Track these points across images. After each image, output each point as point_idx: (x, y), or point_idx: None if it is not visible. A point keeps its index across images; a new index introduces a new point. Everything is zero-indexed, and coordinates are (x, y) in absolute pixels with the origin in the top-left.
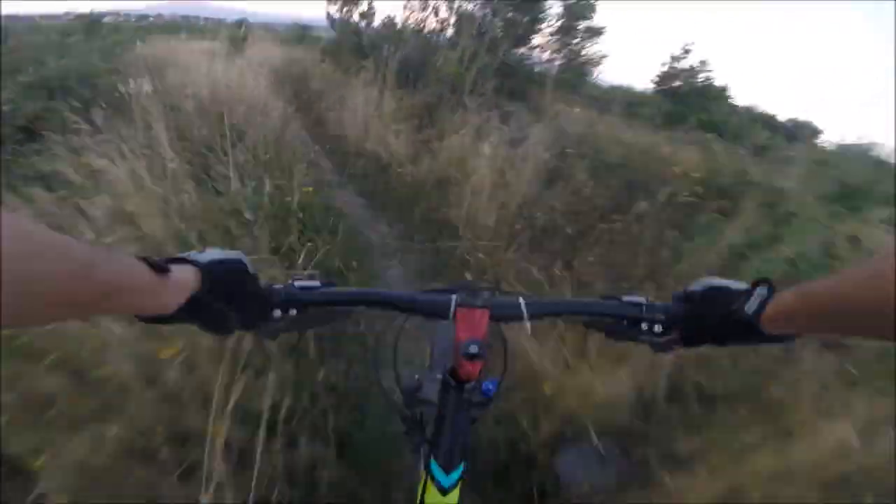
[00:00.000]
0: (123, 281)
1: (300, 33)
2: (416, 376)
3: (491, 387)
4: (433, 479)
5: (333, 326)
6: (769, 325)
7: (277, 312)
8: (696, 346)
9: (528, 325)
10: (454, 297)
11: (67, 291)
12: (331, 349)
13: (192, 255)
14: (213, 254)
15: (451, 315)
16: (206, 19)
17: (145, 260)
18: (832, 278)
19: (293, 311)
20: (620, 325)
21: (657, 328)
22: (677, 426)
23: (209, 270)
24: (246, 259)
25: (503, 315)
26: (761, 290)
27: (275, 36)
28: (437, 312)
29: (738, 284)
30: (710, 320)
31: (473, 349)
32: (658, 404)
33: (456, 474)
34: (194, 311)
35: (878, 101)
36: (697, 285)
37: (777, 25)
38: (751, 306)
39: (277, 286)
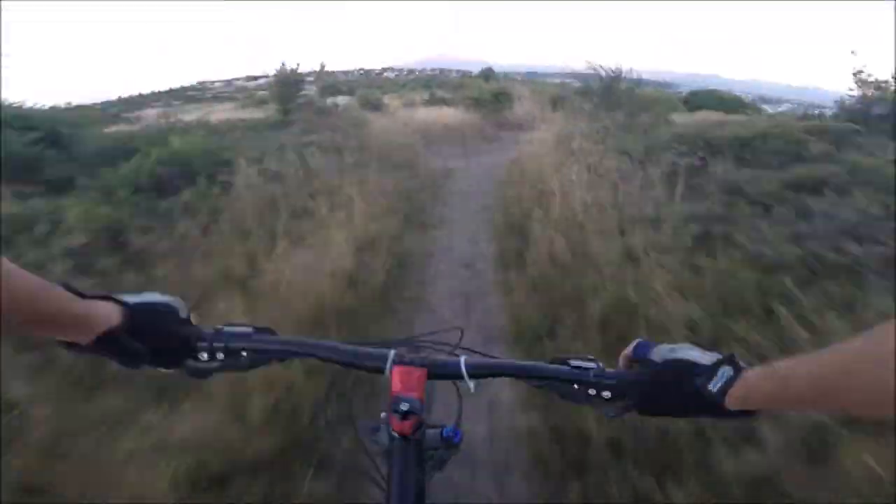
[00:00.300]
0: (59, 311)
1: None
2: (383, 414)
3: (454, 434)
4: None
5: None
6: (733, 402)
7: (204, 355)
8: (653, 416)
9: (471, 384)
10: (392, 352)
11: (20, 314)
12: None
13: (125, 295)
14: (146, 296)
15: (386, 371)
16: (457, 71)
17: (67, 286)
18: (807, 359)
19: (220, 356)
20: (569, 387)
21: (605, 395)
22: None
23: (133, 310)
24: (180, 304)
25: (442, 374)
26: (726, 370)
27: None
28: (372, 367)
29: (701, 356)
30: (671, 394)
31: (405, 406)
32: None
33: None
34: (108, 344)
35: None
36: (657, 354)
37: None
38: (715, 384)
39: (207, 330)
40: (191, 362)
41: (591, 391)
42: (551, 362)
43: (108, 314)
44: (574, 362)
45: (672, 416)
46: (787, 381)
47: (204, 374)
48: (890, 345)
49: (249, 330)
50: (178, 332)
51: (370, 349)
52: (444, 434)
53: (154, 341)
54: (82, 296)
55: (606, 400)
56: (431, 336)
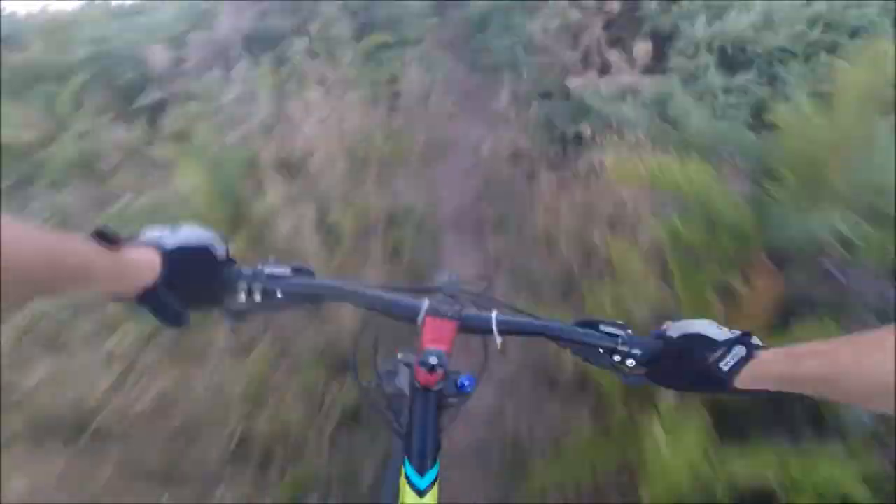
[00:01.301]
0: (85, 267)
1: None
2: (400, 355)
3: (467, 382)
4: (408, 479)
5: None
6: (743, 382)
7: (242, 297)
8: (664, 386)
9: (498, 339)
10: (425, 303)
11: (31, 275)
12: None
13: (164, 233)
14: (183, 234)
15: (419, 321)
16: None
17: (103, 234)
18: (822, 344)
19: (257, 297)
20: (595, 351)
21: (629, 363)
22: None
23: (171, 259)
24: (216, 241)
25: (472, 328)
26: (739, 349)
27: None
28: (405, 316)
29: (718, 332)
30: (684, 367)
31: (433, 360)
32: None
33: (431, 475)
34: (149, 300)
35: None
36: (675, 329)
37: None
38: (727, 363)
39: (246, 271)
40: (228, 304)
41: (616, 358)
42: (580, 323)
43: (146, 266)
44: (604, 327)
45: (686, 390)
46: (797, 365)
47: (241, 316)
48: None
49: (288, 271)
50: (217, 275)
51: (404, 298)
52: (459, 383)
53: (193, 290)
54: (117, 242)
55: (629, 367)
56: (463, 285)
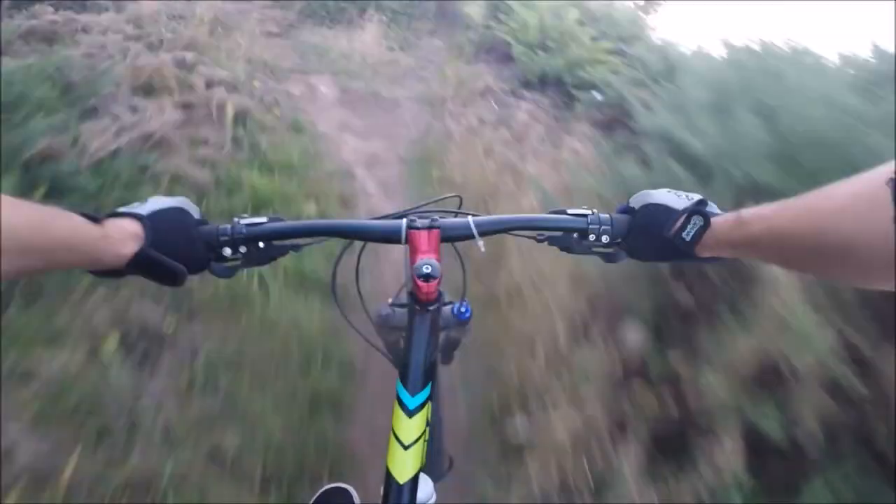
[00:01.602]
0: (74, 237)
1: None
2: (390, 300)
3: (464, 309)
4: (400, 402)
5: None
6: (705, 250)
7: (227, 251)
8: (642, 260)
9: (480, 242)
10: (404, 220)
11: (25, 245)
12: None
13: (134, 206)
14: (154, 203)
15: (402, 239)
16: None
17: (83, 214)
18: (767, 207)
19: (243, 249)
20: (570, 237)
21: (604, 239)
22: None
23: (151, 221)
24: (189, 204)
25: (453, 235)
26: (697, 220)
27: None
28: (388, 238)
29: (676, 200)
30: (651, 238)
31: (427, 269)
32: None
33: (422, 396)
34: (142, 264)
35: None
36: (636, 200)
37: None
38: (688, 233)
39: (224, 226)
40: (215, 263)
41: (592, 237)
42: (555, 211)
43: (130, 232)
44: (571, 211)
45: (657, 261)
46: (742, 230)
47: (230, 272)
48: (887, 195)
49: (264, 220)
50: (200, 233)
51: (383, 222)
52: (454, 310)
53: (181, 250)
54: (96, 219)
55: (605, 245)
56: (432, 203)
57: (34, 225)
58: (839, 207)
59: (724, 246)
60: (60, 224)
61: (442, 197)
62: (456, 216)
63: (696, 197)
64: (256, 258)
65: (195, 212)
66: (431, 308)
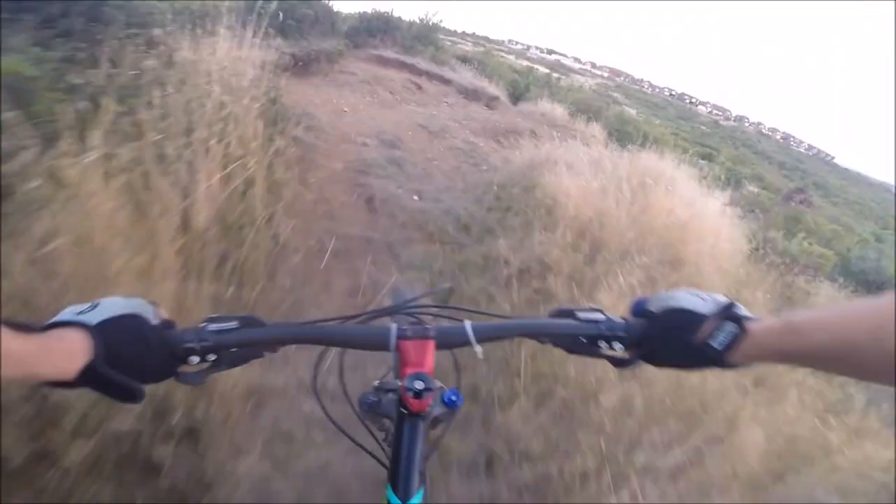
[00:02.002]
0: (12, 351)
1: None
2: (375, 383)
3: (454, 397)
4: None
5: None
6: (739, 357)
7: (195, 359)
8: (661, 367)
9: (478, 349)
10: (394, 327)
11: None
12: None
13: (83, 311)
14: (106, 308)
15: (391, 347)
16: None
17: (13, 324)
18: (826, 314)
19: (211, 357)
20: (579, 341)
21: (617, 347)
22: None
23: (101, 332)
24: (147, 307)
25: (450, 342)
26: (730, 326)
27: None
28: (376, 346)
29: (701, 303)
30: (673, 345)
31: (419, 385)
32: None
33: (416, 500)
34: (93, 381)
35: None
36: (656, 303)
37: None
38: (720, 342)
39: (189, 331)
40: (183, 370)
41: (602, 344)
42: (555, 315)
43: (75, 345)
44: (581, 314)
45: (680, 368)
46: (803, 339)
47: (200, 380)
48: None
49: (234, 324)
50: (160, 341)
51: (370, 328)
52: (445, 399)
53: (137, 362)
54: (32, 329)
55: (617, 352)
56: (424, 296)
57: None
58: None
59: (773, 354)
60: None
61: (432, 290)
62: (444, 312)
63: (724, 300)
64: (229, 361)
65: (153, 315)
66: (423, 416)
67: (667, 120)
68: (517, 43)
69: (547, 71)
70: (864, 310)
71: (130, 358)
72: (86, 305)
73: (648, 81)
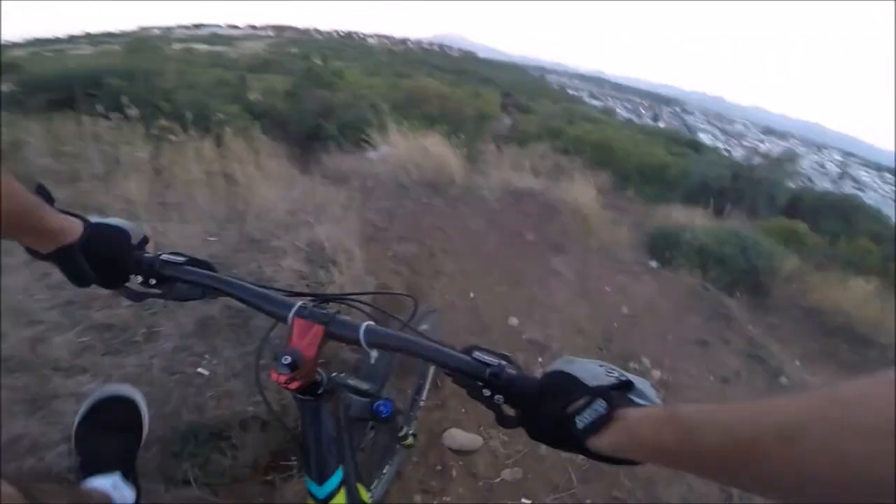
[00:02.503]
0: (24, 214)
1: None
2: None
3: (383, 409)
4: (309, 492)
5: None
6: (607, 447)
7: (138, 279)
8: (536, 439)
9: (372, 353)
10: (297, 303)
11: None
12: None
13: (93, 216)
14: (110, 220)
15: (288, 321)
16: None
17: (41, 190)
18: (718, 406)
19: (152, 281)
20: (471, 381)
21: (498, 398)
22: None
23: (92, 229)
24: (135, 229)
25: (340, 335)
26: (598, 405)
27: None
28: (275, 314)
29: (591, 377)
30: (546, 413)
31: (285, 360)
32: None
33: (332, 482)
34: (63, 259)
35: None
36: (556, 364)
37: None
38: (582, 420)
39: (148, 255)
40: (128, 285)
41: (486, 392)
42: (463, 350)
43: (70, 229)
44: (478, 354)
45: (552, 445)
46: (696, 436)
47: (138, 297)
48: (889, 402)
49: (182, 259)
50: (124, 255)
51: (278, 297)
52: (374, 407)
53: (102, 262)
54: (52, 202)
55: (500, 405)
56: (368, 295)
57: (8, 198)
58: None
59: (645, 450)
60: (25, 202)
61: (394, 291)
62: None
63: (626, 377)
64: (169, 294)
65: (137, 238)
66: (308, 398)
67: (352, 62)
68: (151, 29)
69: (207, 47)
70: (773, 405)
71: (98, 256)
72: (97, 215)
73: (315, 28)
